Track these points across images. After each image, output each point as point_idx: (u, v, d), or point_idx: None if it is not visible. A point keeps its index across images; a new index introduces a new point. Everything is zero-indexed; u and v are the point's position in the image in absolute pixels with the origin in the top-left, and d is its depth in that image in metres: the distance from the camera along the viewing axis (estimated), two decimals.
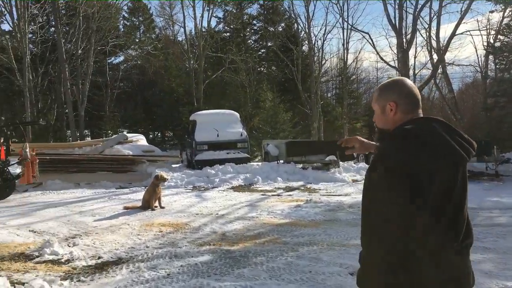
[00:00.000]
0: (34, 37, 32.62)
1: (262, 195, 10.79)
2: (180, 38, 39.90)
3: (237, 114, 17.38)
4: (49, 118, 26.03)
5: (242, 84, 32.43)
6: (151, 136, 39.93)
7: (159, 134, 41.01)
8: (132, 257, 5.58)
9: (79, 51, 24.78)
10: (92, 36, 23.61)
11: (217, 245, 6.10)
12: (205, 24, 34.55)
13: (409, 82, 1.94)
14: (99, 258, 5.58)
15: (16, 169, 12.30)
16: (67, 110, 23.24)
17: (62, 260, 5.47)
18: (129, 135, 17.25)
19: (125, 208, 8.94)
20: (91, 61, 23.98)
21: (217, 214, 8.33)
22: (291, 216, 8.00)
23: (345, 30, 33.62)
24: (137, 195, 10.23)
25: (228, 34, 40.53)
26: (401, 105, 1.86)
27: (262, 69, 42.65)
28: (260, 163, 15.93)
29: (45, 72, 29.18)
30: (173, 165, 16.10)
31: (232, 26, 40.35)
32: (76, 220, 7.95)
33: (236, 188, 11.98)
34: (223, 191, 11.58)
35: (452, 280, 1.75)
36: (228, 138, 15.62)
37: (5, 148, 10.58)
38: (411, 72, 28.41)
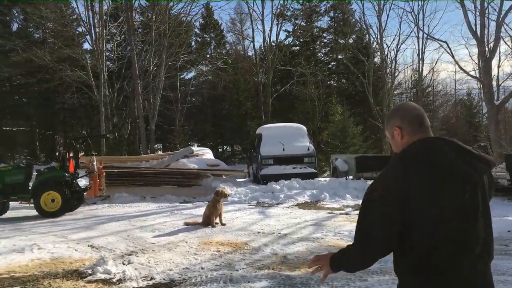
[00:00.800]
0: (111, 54, 34.38)
1: (329, 213, 10.11)
2: (250, 53, 40.21)
3: (304, 128, 16.82)
4: (123, 132, 27.04)
5: (311, 97, 31.80)
6: (220, 150, 40.37)
7: (228, 148, 41.33)
8: (185, 280, 5.22)
9: (151, 67, 25.54)
10: (163, 52, 24.24)
11: (277, 269, 5.58)
12: (274, 38, 34.53)
13: (411, 105, 2.01)
14: (151, 279, 5.27)
15: (83, 182, 12.59)
16: (139, 125, 23.93)
17: (114, 280, 5.22)
18: (195, 148, 17.27)
19: (186, 224, 8.69)
20: (162, 76, 24.59)
21: (279, 233, 7.81)
22: None
23: (420, 40, 32.07)
24: (200, 210, 9.96)
25: (297, 47, 40.22)
26: (405, 128, 1.93)
27: (332, 82, 41.82)
28: (327, 179, 15.20)
29: (121, 88, 30.47)
30: (238, 180, 15.82)
31: (301, 40, 40.03)
32: (136, 235, 7.79)
33: (301, 205, 11.38)
34: (288, 208, 11.04)
35: None
36: (294, 152, 15.08)
37: (74, 161, 10.80)
38: (494, 83, 26.26)
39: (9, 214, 10.91)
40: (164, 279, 5.27)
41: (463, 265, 1.76)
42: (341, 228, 8.09)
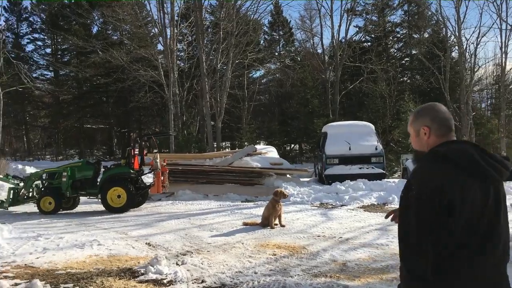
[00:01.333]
0: (182, 54, 35.27)
1: None
2: (319, 51, 39.49)
3: (372, 126, 16.02)
4: (192, 130, 27.57)
5: (381, 94, 30.57)
6: (287, 148, 40.06)
7: (295, 147, 40.89)
8: (236, 285, 5.01)
9: (219, 65, 25.79)
10: (230, 50, 24.35)
11: (335, 278, 5.21)
12: (343, 34, 33.67)
13: (442, 107, 2.07)
14: (202, 282, 5.12)
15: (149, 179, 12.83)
16: (206, 123, 24.24)
17: (165, 281, 5.13)
18: (259, 147, 17.11)
19: (244, 224, 8.51)
20: (229, 75, 24.70)
21: (340, 237, 7.38)
22: None
23: (503, 32, 29.63)
24: (260, 210, 9.70)
25: (368, 43, 38.93)
26: (434, 129, 2.01)
27: (405, 78, 40.01)
28: (397, 180, 14.39)
29: (190, 87, 31.12)
30: (302, 179, 15.44)
31: (372, 35, 38.71)
32: (193, 234, 7.72)
33: (367, 208, 10.80)
34: (352, 210, 10.51)
35: None
36: (361, 152, 14.41)
37: (139, 158, 11.02)
38: None
39: (79, 208, 11.40)
40: (214, 282, 5.09)
41: (484, 263, 1.84)
42: None
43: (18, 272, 5.43)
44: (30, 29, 46.07)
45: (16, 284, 4.95)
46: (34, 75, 44.54)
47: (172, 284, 5.03)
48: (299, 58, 39.90)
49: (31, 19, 45.76)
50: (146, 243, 7.04)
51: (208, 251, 6.52)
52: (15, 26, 45.48)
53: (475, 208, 1.83)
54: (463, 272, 1.83)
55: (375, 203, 11.44)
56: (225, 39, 25.34)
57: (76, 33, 36.87)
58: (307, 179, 16.64)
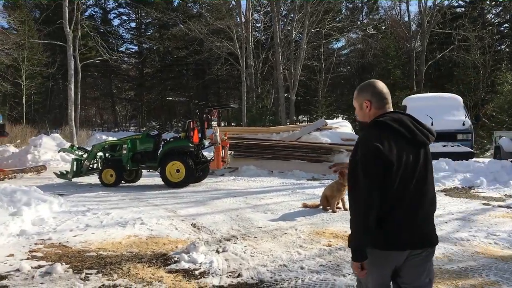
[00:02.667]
0: (259, 25, 34.47)
1: (484, 204, 8.11)
2: (406, 18, 36.57)
3: (460, 99, 14.19)
4: (266, 103, 26.92)
5: (474, 64, 27.64)
6: None
7: None
8: (276, 282, 4.28)
9: (293, 35, 24.68)
10: (306, 18, 23.09)
11: None
12: None
13: (380, 83, 2.44)
14: (238, 276, 4.46)
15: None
16: (280, 95, 23.43)
17: (196, 273, 4.53)
18: (332, 121, 16.01)
19: (304, 206, 7.72)
20: (304, 44, 23.51)
21: None
22: None
23: None
24: None
25: (462, 8, 35.35)
26: (374, 102, 2.39)
27: (503, 46, 35.97)
28: (487, 160, 12.66)
29: (266, 58, 30.37)
30: None
31: None
32: (245, 216, 7.08)
33: (449, 192, 9.47)
34: None
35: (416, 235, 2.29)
36: (445, 128, 12.76)
37: (199, 132, 10.55)
38: None
39: (141, 181, 11.28)
40: (252, 278, 4.40)
41: (417, 212, 2.28)
42: (497, 228, 6.24)
43: (48, 252, 5.13)
44: (116, 3, 47.85)
45: (40, 266, 4.62)
46: (121, 49, 46.78)
47: (204, 277, 4.41)
48: (383, 27, 37.38)
49: None
50: (191, 224, 6.52)
51: (255, 237, 5.84)
52: (103, 1, 47.51)
53: (409, 167, 2.22)
54: (401, 222, 2.24)
55: (459, 186, 10.07)
56: (302, 7, 24.08)
57: (158, 6, 37.47)
58: None
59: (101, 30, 32.13)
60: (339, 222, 6.60)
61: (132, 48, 49.11)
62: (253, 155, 12.43)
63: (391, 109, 2.39)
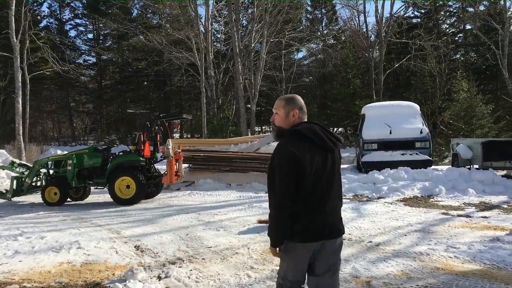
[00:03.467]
0: (219, 35, 34.11)
1: (443, 213, 7.94)
2: (364, 29, 37.08)
3: (417, 107, 14.19)
4: (227, 114, 26.47)
5: (430, 73, 28.18)
6: None
7: (337, 130, 38.82)
8: None
9: (253, 45, 24.44)
10: (265, 28, 22.90)
11: None
12: (388, 9, 31.26)
13: (299, 97, 2.86)
14: None
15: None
16: (239, 105, 23.03)
17: None
18: None
19: (259, 221, 7.30)
20: (264, 54, 23.28)
21: (370, 242, 6.01)
22: (484, 258, 5.17)
23: None
24: None
25: (417, 19, 36.19)
26: (300, 113, 2.78)
27: (458, 55, 36.99)
28: (445, 168, 12.66)
29: (227, 68, 30.00)
30: None
31: (422, 10, 35.92)
32: (195, 235, 6.59)
33: (408, 201, 9.29)
34: (390, 204, 9.04)
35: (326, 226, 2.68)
36: (403, 136, 12.74)
37: (150, 144, 9.99)
38: None
39: (90, 198, 10.60)
40: None
41: (326, 206, 2.66)
42: (457, 239, 6.01)
43: None
44: (72, 14, 46.52)
45: None
46: (79, 61, 45.44)
47: None
48: (343, 37, 37.78)
49: (72, 4, 46.12)
50: (135, 246, 5.98)
51: (203, 258, 5.37)
52: (58, 12, 46.07)
53: (319, 168, 2.63)
54: (312, 213, 2.63)
55: (419, 195, 9.93)
56: (261, 17, 23.91)
57: (115, 17, 36.54)
58: (345, 166, 15.22)
59: (57, 41, 31.05)
60: None
61: (90, 60, 47.82)
62: (210, 168, 11.96)
63: (306, 119, 2.80)
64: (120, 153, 10.06)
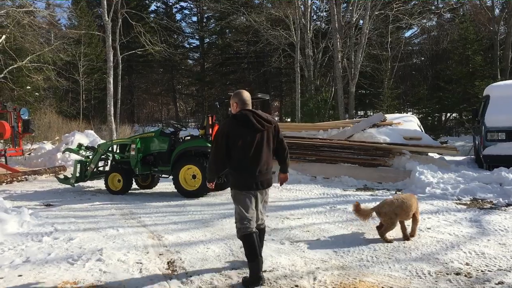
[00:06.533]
0: (319, 12, 31.97)
1: None
2: (488, 2, 32.23)
3: None
4: (325, 96, 24.47)
5: None
6: (442, 118, 34.18)
7: (451, 116, 34.53)
8: None
9: (354, 19, 22.01)
10: (368, 0, 20.34)
11: None
12: None
13: (245, 93, 4.10)
14: None
15: None
16: (337, 87, 20.91)
17: None
18: (394, 116, 13.41)
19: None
20: (366, 29, 20.72)
21: (500, 283, 3.96)
22: None
23: None
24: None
25: None
26: (238, 104, 4.03)
27: None
28: None
29: (326, 48, 27.92)
30: (449, 158, 11.56)
31: None
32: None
33: None
34: None
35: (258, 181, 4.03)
36: None
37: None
38: None
39: (160, 186, 9.66)
40: None
41: (254, 169, 3.95)
42: None
43: None
44: None
45: None
46: (185, 44, 46.52)
47: None
48: (461, 11, 33.34)
49: None
50: (168, 262, 4.61)
51: None
52: None
53: (248, 142, 3.90)
54: (246, 173, 3.95)
55: None
56: None
57: None
58: (459, 158, 12.65)
59: (165, 24, 31.58)
60: (385, 265, 4.40)
61: (194, 43, 48.64)
62: (293, 157, 10.31)
63: (248, 108, 4.03)
64: (187, 138, 8.87)
